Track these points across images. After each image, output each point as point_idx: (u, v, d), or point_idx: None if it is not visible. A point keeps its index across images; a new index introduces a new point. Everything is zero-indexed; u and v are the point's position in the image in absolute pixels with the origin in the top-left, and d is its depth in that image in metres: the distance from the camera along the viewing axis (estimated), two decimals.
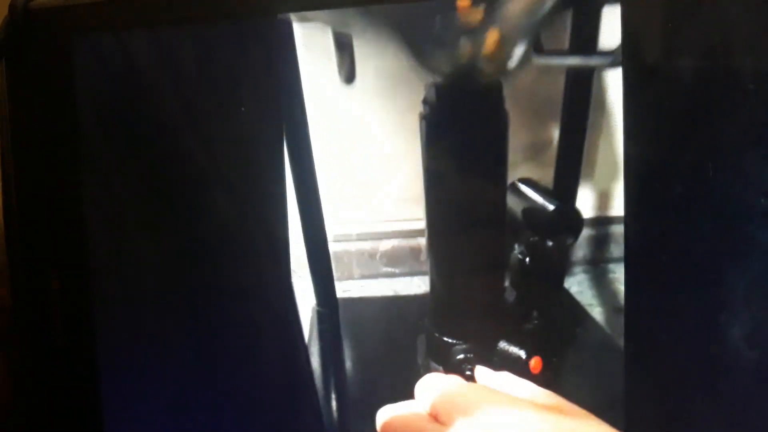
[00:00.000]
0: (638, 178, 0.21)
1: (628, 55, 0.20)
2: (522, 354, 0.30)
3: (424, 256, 0.56)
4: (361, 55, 0.41)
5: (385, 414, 0.23)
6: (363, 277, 0.55)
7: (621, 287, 0.48)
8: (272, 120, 0.28)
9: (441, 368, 0.32)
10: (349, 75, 0.30)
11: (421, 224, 0.56)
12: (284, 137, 0.32)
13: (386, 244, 0.56)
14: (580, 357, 0.34)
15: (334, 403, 0.37)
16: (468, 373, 0.30)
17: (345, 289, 0.54)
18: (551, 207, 0.30)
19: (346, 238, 0.56)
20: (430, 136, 0.29)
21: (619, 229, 0.43)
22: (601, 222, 0.52)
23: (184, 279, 0.27)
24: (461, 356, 0.31)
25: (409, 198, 0.55)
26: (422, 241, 0.57)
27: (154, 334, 0.27)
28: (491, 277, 0.31)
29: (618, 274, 0.51)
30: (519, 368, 0.31)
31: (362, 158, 0.53)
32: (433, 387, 0.22)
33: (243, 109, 0.27)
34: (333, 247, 0.56)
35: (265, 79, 0.27)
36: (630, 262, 0.22)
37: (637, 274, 0.22)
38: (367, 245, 0.56)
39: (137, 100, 0.26)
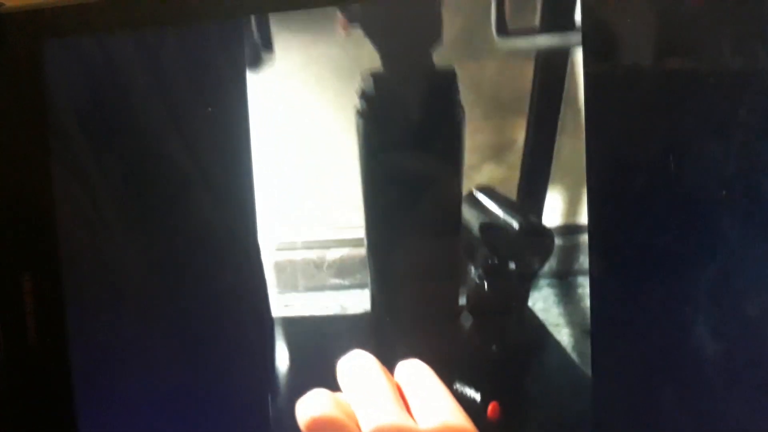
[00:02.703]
0: (600, 171, 0.21)
1: (588, 49, 0.20)
2: (477, 397, 0.26)
3: None
4: (305, 44, 0.36)
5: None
6: (308, 289, 0.49)
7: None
8: (241, 120, 0.29)
9: None
10: (254, 59, 0.26)
11: None
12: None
13: (334, 254, 0.50)
14: (543, 393, 0.29)
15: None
16: None
17: (287, 303, 0.49)
18: (516, 225, 0.25)
19: (290, 247, 0.51)
20: (368, 137, 0.24)
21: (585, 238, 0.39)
22: (570, 230, 0.48)
23: (157, 280, 0.27)
24: None
25: (360, 203, 0.50)
26: None
27: (127, 336, 0.27)
28: (444, 304, 0.27)
29: (588, 288, 0.47)
30: (474, 413, 0.27)
31: (309, 158, 0.48)
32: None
33: (210, 109, 0.27)
34: (275, 257, 0.50)
35: (235, 78, 0.28)
36: (594, 259, 0.22)
37: (602, 273, 0.22)
38: (312, 254, 0.51)
39: (109, 102, 0.26)
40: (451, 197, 0.25)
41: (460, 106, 0.23)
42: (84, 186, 0.28)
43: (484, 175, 0.29)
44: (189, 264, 0.29)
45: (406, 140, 0.24)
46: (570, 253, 0.47)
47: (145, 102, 0.28)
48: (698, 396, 0.20)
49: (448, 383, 0.28)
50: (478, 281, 0.27)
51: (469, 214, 0.27)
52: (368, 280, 0.51)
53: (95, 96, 0.26)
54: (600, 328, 0.23)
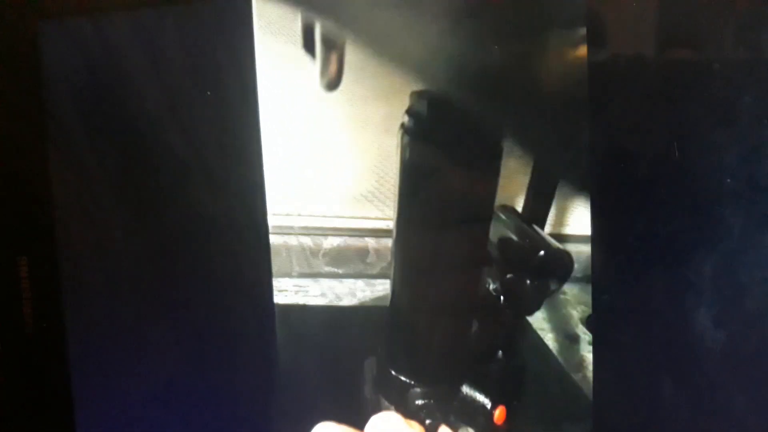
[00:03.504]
0: (604, 159, 0.21)
1: (593, 40, 0.20)
2: (487, 403, 0.28)
3: (371, 258, 0.53)
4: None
5: None
6: (302, 275, 0.50)
7: (573, 312, 0.47)
8: (247, 104, 0.29)
9: (393, 408, 0.29)
10: (333, 82, 0.26)
11: (370, 224, 0.52)
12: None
13: (331, 242, 0.51)
14: (540, 398, 0.32)
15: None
16: (428, 421, 0.27)
17: (280, 288, 0.49)
18: (541, 251, 0.26)
19: (287, 231, 0.51)
20: (412, 153, 0.25)
21: (572, 247, 0.41)
22: (554, 239, 0.50)
23: (154, 267, 0.27)
24: (420, 402, 0.28)
25: (359, 194, 0.51)
26: (370, 242, 0.53)
27: (123, 322, 0.27)
28: (462, 313, 0.28)
29: (569, 295, 0.50)
30: (482, 418, 0.29)
31: (312, 146, 0.48)
32: None
33: (209, 93, 0.27)
34: (270, 240, 0.51)
35: (237, 60, 0.27)
36: (597, 246, 0.22)
37: (604, 260, 0.22)
38: (309, 241, 0.51)
39: (106, 84, 0.26)
40: (482, 219, 0.27)
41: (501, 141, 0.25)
42: (82, 170, 0.27)
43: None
44: (188, 249, 0.29)
45: (448, 164, 0.25)
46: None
47: (143, 84, 0.27)
48: (703, 399, 0.20)
49: (456, 387, 0.30)
50: (494, 294, 0.29)
51: (491, 231, 0.29)
52: (363, 270, 0.52)
53: (92, 79, 0.26)
54: (601, 326, 0.23)
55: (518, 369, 0.30)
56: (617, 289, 0.23)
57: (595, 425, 0.23)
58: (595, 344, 0.23)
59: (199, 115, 0.28)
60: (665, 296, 0.21)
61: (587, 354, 0.43)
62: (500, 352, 0.30)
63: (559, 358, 0.41)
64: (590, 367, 0.28)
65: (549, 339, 0.46)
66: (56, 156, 0.26)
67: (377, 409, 0.29)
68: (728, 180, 0.18)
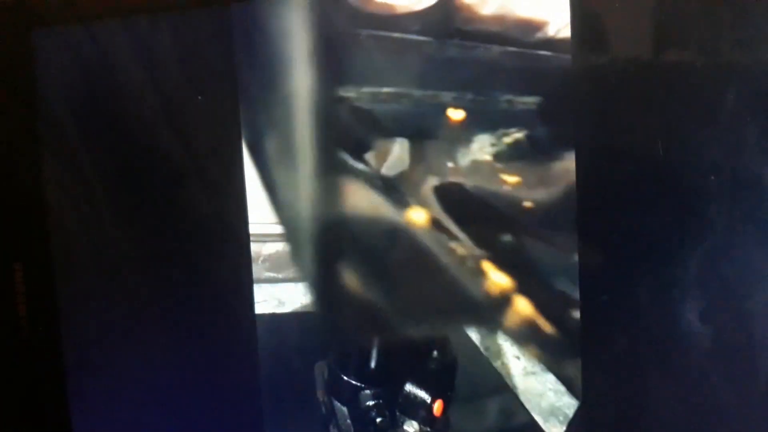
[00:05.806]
0: (590, 159, 0.21)
1: (577, 38, 0.21)
2: (427, 397, 0.32)
3: None
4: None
5: None
6: None
7: None
8: (232, 110, 0.29)
9: (346, 410, 0.33)
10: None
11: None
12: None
13: (270, 248, 0.53)
14: (469, 389, 0.36)
15: None
16: (378, 420, 0.30)
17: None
18: None
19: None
20: None
21: None
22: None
23: (149, 271, 0.28)
24: (371, 402, 0.31)
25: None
26: None
27: (118, 327, 0.28)
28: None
29: None
30: (423, 411, 0.33)
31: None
32: None
33: (200, 97, 0.27)
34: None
35: (226, 68, 0.28)
36: (583, 244, 0.22)
37: (591, 258, 0.22)
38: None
39: (99, 92, 0.26)
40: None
41: None
42: (75, 176, 0.27)
43: None
44: (180, 255, 0.29)
45: None
46: None
47: (137, 92, 0.27)
48: (694, 397, 0.20)
49: (400, 386, 0.33)
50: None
51: None
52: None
53: (85, 86, 0.26)
54: (591, 326, 0.23)
55: (451, 365, 0.35)
56: (606, 289, 0.22)
57: (585, 423, 0.24)
58: (586, 344, 0.23)
59: (192, 122, 0.28)
60: (654, 295, 0.21)
61: (503, 343, 0.48)
62: (435, 352, 0.34)
63: (481, 349, 0.47)
64: (508, 354, 0.33)
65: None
66: (51, 163, 0.26)
67: (330, 410, 0.33)
68: (712, 177, 0.19)
